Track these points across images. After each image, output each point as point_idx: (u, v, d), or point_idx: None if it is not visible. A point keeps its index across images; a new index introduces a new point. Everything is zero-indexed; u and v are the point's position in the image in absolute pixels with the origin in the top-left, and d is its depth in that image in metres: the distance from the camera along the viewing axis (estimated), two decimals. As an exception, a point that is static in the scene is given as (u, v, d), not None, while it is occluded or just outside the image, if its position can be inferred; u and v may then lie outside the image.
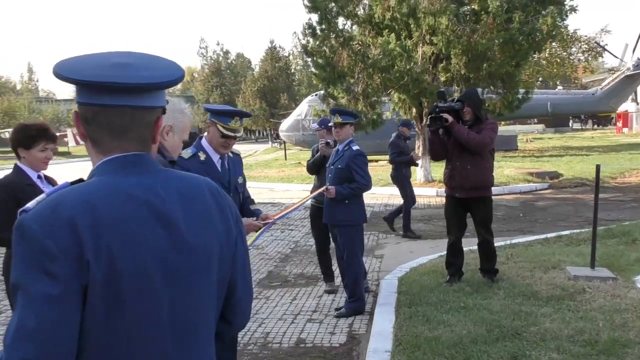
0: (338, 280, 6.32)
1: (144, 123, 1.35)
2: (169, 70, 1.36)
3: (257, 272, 7.29)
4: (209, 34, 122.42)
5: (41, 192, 3.39)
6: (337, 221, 5.58)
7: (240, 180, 3.84)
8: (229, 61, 62.33)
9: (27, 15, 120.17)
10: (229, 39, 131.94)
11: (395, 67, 14.27)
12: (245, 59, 67.03)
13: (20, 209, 1.24)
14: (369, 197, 13.82)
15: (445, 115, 5.81)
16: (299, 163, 22.17)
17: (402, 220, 9.44)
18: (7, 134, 39.13)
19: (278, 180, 17.01)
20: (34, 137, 3.54)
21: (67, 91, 77.75)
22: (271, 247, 8.70)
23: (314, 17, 15.16)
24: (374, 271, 7.22)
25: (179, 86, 79.41)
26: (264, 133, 52.41)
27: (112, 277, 1.22)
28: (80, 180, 1.34)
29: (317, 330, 5.21)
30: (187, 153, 3.64)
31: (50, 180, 3.64)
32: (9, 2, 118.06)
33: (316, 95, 21.26)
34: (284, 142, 26.79)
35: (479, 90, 15.50)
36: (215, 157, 3.70)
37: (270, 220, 3.73)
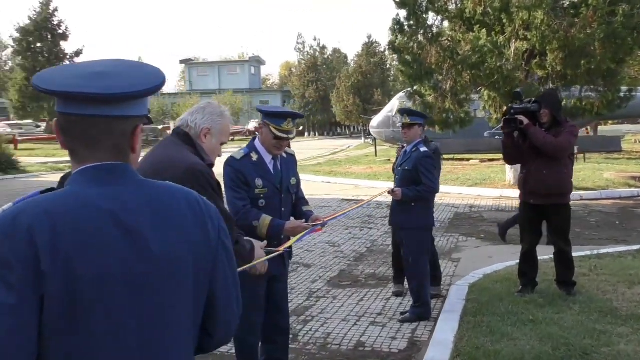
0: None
1: (119, 132, 1.35)
2: (145, 79, 1.35)
3: (329, 270, 7.30)
4: (307, 29, 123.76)
5: None
6: (403, 224, 5.47)
7: (293, 181, 3.82)
8: (326, 56, 62.77)
9: (140, 8, 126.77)
10: (327, 34, 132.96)
11: (486, 63, 13.79)
12: (342, 54, 67.21)
13: None
14: (455, 197, 13.62)
15: (521, 117, 5.53)
16: (389, 160, 21.98)
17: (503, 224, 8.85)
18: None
19: (365, 177, 16.94)
20: None
21: (172, 86, 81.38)
22: (347, 245, 8.67)
23: (402, 13, 14.92)
24: (447, 275, 7.01)
25: (276, 80, 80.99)
26: (358, 128, 52.41)
27: (70, 287, 1.22)
28: (51, 189, 1.35)
29: (378, 334, 5.13)
30: (239, 153, 3.67)
31: None
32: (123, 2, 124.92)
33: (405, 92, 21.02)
34: (375, 139, 26.67)
35: (577, 87, 14.72)
36: (268, 158, 3.70)
37: (319, 222, 3.68)
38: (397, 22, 15.16)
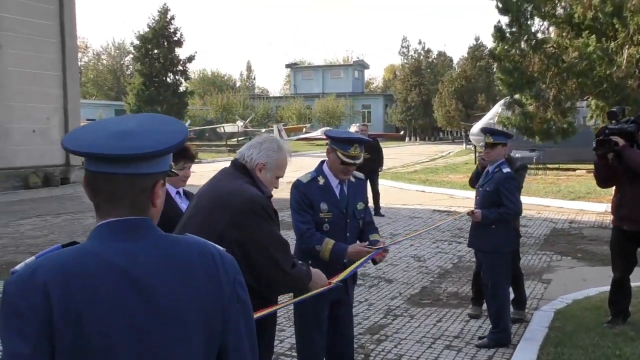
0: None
1: (138, 189, 1.41)
2: (166, 137, 1.41)
3: (410, 286, 7.19)
4: (412, 32, 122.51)
5: (178, 208, 3.70)
6: (482, 247, 5.29)
7: (360, 206, 3.78)
8: (430, 60, 61.82)
9: (248, 14, 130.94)
10: (433, 37, 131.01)
11: (595, 71, 13.03)
12: (447, 58, 65.93)
13: (12, 269, 1.37)
14: (554, 211, 12.97)
15: (616, 138, 5.18)
16: (488, 168, 21.31)
17: None
18: (223, 128, 43.03)
19: (460, 186, 16.48)
20: (174, 157, 3.85)
21: (277, 89, 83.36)
22: (433, 261, 8.49)
23: (504, 20, 14.40)
24: (534, 298, 6.69)
25: (379, 84, 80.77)
26: (460, 133, 51.22)
27: (79, 340, 1.29)
28: (73, 243, 1.42)
29: (452, 359, 4.99)
30: (305, 177, 3.69)
31: (188, 196, 3.94)
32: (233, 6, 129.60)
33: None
34: (475, 146, 25.97)
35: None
36: (334, 182, 3.70)
37: (380, 246, 3.62)
38: (498, 29, 14.66)
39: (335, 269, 3.41)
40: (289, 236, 3.64)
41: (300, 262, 3.02)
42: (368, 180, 12.22)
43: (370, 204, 12.38)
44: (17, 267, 1.36)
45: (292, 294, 3.04)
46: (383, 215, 12.22)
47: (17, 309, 1.29)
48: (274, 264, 2.67)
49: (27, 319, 1.28)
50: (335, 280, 3.02)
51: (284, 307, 2.75)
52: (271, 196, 2.91)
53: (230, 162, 3.00)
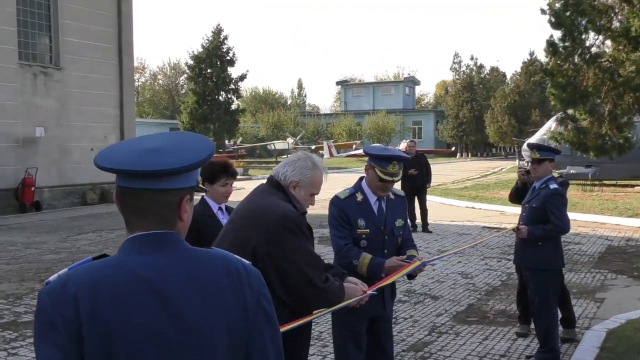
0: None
1: (165, 204, 1.46)
2: (192, 154, 1.46)
3: (457, 303, 7.09)
4: (464, 47, 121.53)
5: (220, 223, 3.79)
6: (528, 264, 5.19)
7: (399, 223, 3.78)
8: (482, 75, 61.15)
9: (299, 33, 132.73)
10: (485, 53, 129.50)
11: (652, 85, 12.70)
12: (500, 73, 65.10)
13: (46, 280, 1.44)
14: (610, 229, 12.56)
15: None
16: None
17: None
18: (273, 145, 43.55)
19: (512, 204, 16.16)
20: (217, 173, 3.96)
21: (328, 106, 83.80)
22: (481, 278, 8.35)
23: (557, 34, 14.19)
24: (586, 317, 6.50)
25: (431, 100, 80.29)
26: (513, 150, 50.27)
27: (106, 350, 1.34)
28: (104, 255, 1.49)
29: (497, 378, 4.90)
30: (344, 193, 3.72)
31: (230, 212, 4.03)
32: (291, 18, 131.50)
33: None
34: (528, 162, 25.47)
35: None
36: (373, 199, 3.71)
37: (420, 261, 3.60)
38: (550, 43, 14.47)
39: (372, 283, 3.42)
40: (329, 251, 3.67)
41: (334, 277, 3.05)
42: (416, 197, 12.21)
43: (419, 220, 12.39)
44: (51, 278, 1.43)
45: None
46: (431, 232, 12.13)
47: (49, 319, 1.35)
48: (306, 280, 2.68)
49: (59, 329, 1.34)
50: (371, 289, 3.02)
51: (317, 317, 2.75)
52: (305, 212, 2.93)
53: (266, 178, 3.06)
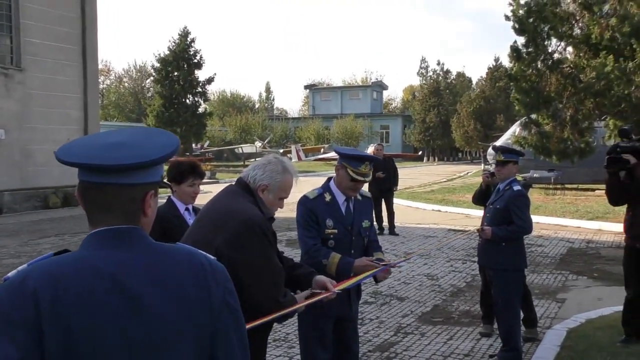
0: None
1: (129, 199, 1.45)
2: (155, 150, 1.46)
3: (422, 304, 7.18)
4: (430, 53, 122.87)
5: (186, 224, 3.76)
6: (492, 264, 5.28)
7: (365, 224, 3.82)
8: (449, 81, 61.88)
9: (267, 36, 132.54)
10: (451, 58, 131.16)
11: (612, 91, 12.99)
12: (466, 79, 65.98)
13: (4, 277, 1.41)
14: (571, 231, 12.86)
15: (627, 156, 5.18)
16: (506, 188, 21.17)
17: None
18: (241, 149, 43.36)
19: (477, 206, 16.40)
20: (184, 173, 3.94)
21: (296, 110, 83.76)
22: (446, 279, 8.47)
23: (520, 40, 14.45)
24: (547, 317, 6.64)
25: (399, 104, 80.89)
26: (479, 154, 50.98)
27: (67, 346, 1.31)
28: (65, 251, 1.46)
29: (462, 377, 4.98)
30: (312, 193, 3.74)
31: (197, 213, 4.01)
32: (252, 24, 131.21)
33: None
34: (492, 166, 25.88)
35: None
36: (341, 199, 3.74)
37: (387, 263, 3.64)
38: (514, 49, 14.70)
39: (340, 282, 3.44)
40: (296, 254, 3.68)
41: (304, 275, 3.05)
42: (383, 200, 12.31)
43: (385, 222, 12.48)
44: (10, 274, 1.40)
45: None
46: (398, 235, 12.23)
47: (7, 315, 1.32)
48: (265, 291, 2.63)
49: (17, 324, 1.31)
50: (337, 288, 3.02)
51: (273, 318, 2.67)
52: (273, 218, 2.91)
53: (235, 179, 3.03)
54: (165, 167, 3.76)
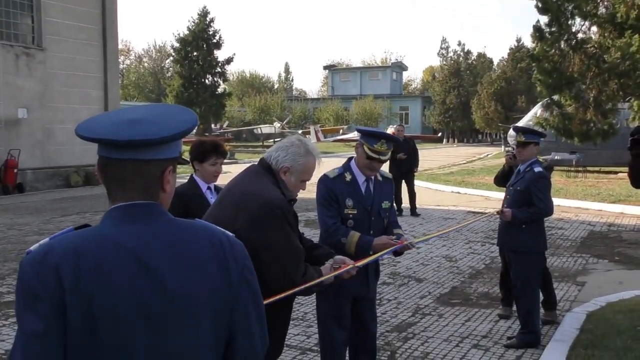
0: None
1: (147, 174, 1.46)
2: (173, 126, 1.46)
3: (440, 285, 7.16)
4: (452, 33, 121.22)
5: (208, 202, 3.78)
6: (512, 247, 5.25)
7: (385, 205, 3.79)
8: (469, 62, 61.16)
9: (287, 16, 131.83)
10: (472, 38, 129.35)
11: (638, 71, 12.75)
12: (487, 59, 65.12)
13: (27, 250, 1.43)
14: (592, 214, 12.71)
15: (651, 138, 5.08)
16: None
17: None
18: (260, 129, 43.40)
19: (496, 188, 16.16)
20: (206, 152, 3.95)
21: (315, 90, 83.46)
22: (465, 261, 8.44)
23: (544, 19, 14.19)
24: (567, 300, 6.59)
25: (418, 85, 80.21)
26: (499, 136, 50.55)
27: (88, 320, 1.34)
28: (85, 225, 1.48)
29: (479, 359, 4.96)
30: (333, 172, 3.73)
31: (219, 192, 4.02)
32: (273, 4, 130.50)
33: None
34: (513, 148, 25.61)
35: None
36: (361, 179, 3.73)
37: (406, 241, 3.62)
38: (537, 29, 14.46)
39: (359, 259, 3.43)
40: (315, 234, 3.68)
41: (322, 256, 3.05)
42: (404, 181, 12.27)
43: (405, 204, 12.44)
44: (32, 247, 1.42)
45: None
46: (419, 215, 12.20)
47: (31, 288, 1.35)
48: (284, 272, 2.64)
49: (41, 298, 1.34)
50: (357, 264, 3.01)
51: (298, 291, 2.69)
52: (294, 200, 2.90)
53: (258, 160, 3.01)
54: (187, 147, 3.80)
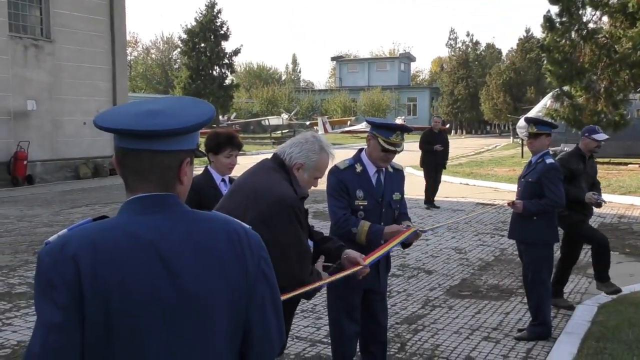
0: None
1: (164, 166, 1.46)
2: (190, 117, 1.46)
3: (450, 278, 7.15)
4: (460, 24, 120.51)
5: (222, 194, 3.77)
6: (523, 238, 5.22)
7: (396, 196, 3.78)
8: (478, 52, 60.81)
9: (293, 8, 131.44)
10: (481, 30, 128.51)
11: (649, 62, 12.66)
12: (495, 50, 64.72)
13: (46, 240, 1.44)
14: (603, 206, 12.54)
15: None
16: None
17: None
18: (267, 121, 43.38)
19: (505, 179, 16.21)
20: (221, 144, 3.92)
21: (323, 82, 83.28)
22: (474, 253, 8.41)
23: (554, 9, 14.08)
24: (578, 292, 6.58)
25: (426, 76, 79.88)
26: (508, 127, 50.30)
27: (106, 312, 1.34)
28: (103, 217, 1.48)
29: (490, 351, 4.95)
30: (343, 164, 3.72)
31: None
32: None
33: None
34: (522, 139, 25.49)
35: None
36: (372, 171, 3.71)
37: (414, 229, 3.60)
38: (547, 19, 14.36)
39: (370, 251, 3.44)
40: (324, 225, 3.67)
41: (335, 248, 3.04)
42: (436, 172, 12.21)
43: (419, 195, 12.32)
44: (51, 238, 1.43)
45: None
46: (438, 207, 12.18)
47: (50, 278, 1.35)
48: (291, 271, 2.65)
49: (59, 289, 1.34)
50: (367, 260, 3.00)
51: (301, 293, 2.69)
52: (306, 196, 2.89)
53: (271, 155, 3.00)
54: (202, 139, 3.79)
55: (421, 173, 13.76)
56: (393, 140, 3.60)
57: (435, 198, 12.51)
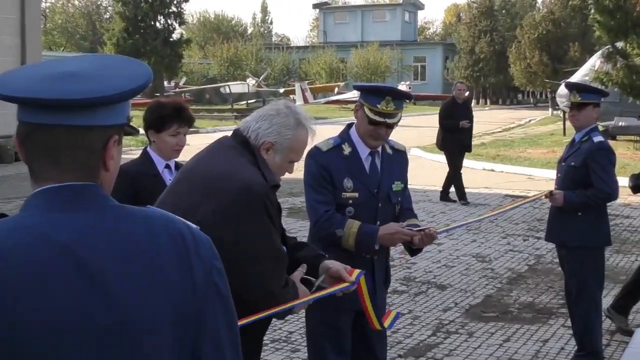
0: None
1: (84, 146, 1.42)
2: (119, 82, 1.43)
3: (470, 294, 7.19)
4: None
5: (164, 185, 3.73)
6: (564, 240, 5.24)
7: (396, 187, 3.74)
8: (506, -2, 61.37)
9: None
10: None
11: None
12: (529, -5, 65.38)
13: None
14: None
15: None
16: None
17: None
18: (228, 88, 43.36)
19: (542, 164, 16.35)
20: (166, 118, 3.86)
21: (302, 37, 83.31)
22: (502, 261, 8.48)
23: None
24: (637, 312, 6.63)
25: (438, 30, 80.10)
26: (545, 95, 50.72)
27: (13, 334, 1.30)
28: (1, 215, 1.44)
29: (522, 391, 4.99)
30: (326, 144, 3.67)
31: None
32: None
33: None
34: (565, 111, 25.76)
35: None
36: (364, 153, 3.67)
37: (422, 228, 3.58)
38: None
39: (363, 260, 3.42)
40: (301, 226, 3.64)
41: (315, 256, 3.01)
42: (460, 156, 12.04)
43: (436, 185, 12.33)
44: None
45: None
46: (455, 201, 12.23)
47: None
48: (260, 279, 2.65)
49: None
50: (353, 275, 2.96)
51: (279, 311, 2.69)
52: (278, 186, 2.87)
53: (231, 132, 2.96)
54: (140, 112, 3.68)
55: (430, 155, 13.82)
56: (382, 109, 3.55)
57: (452, 188, 12.49)
